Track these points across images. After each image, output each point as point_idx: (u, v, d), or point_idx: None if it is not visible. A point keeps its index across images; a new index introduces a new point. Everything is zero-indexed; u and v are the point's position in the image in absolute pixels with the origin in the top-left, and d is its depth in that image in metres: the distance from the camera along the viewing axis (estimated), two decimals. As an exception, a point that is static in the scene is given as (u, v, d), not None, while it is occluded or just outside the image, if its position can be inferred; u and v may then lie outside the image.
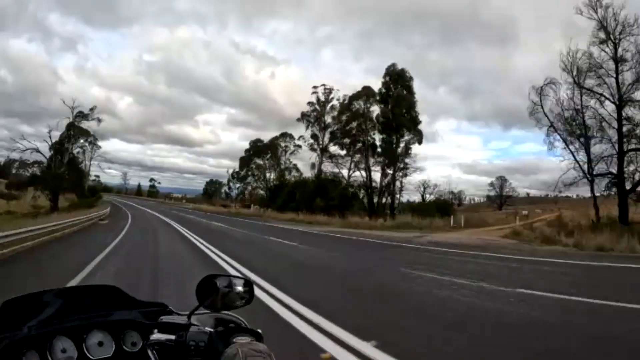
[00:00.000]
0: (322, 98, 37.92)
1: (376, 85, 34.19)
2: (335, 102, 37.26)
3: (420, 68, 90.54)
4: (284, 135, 44.32)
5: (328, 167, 36.88)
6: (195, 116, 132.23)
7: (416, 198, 38.93)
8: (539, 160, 76.62)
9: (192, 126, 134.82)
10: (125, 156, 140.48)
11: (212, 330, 1.02)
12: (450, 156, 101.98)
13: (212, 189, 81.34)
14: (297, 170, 43.26)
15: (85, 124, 37.66)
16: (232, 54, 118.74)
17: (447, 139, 78.90)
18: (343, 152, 35.92)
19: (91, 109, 37.51)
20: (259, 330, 1.05)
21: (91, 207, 29.37)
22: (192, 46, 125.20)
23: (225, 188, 51.63)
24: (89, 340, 1.02)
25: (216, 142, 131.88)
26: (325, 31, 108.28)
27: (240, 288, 1.11)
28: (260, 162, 46.22)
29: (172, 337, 1.02)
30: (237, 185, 49.95)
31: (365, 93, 34.12)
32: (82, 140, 38.12)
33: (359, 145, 34.48)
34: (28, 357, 0.94)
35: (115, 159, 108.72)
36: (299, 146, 42.00)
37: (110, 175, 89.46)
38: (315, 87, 38.49)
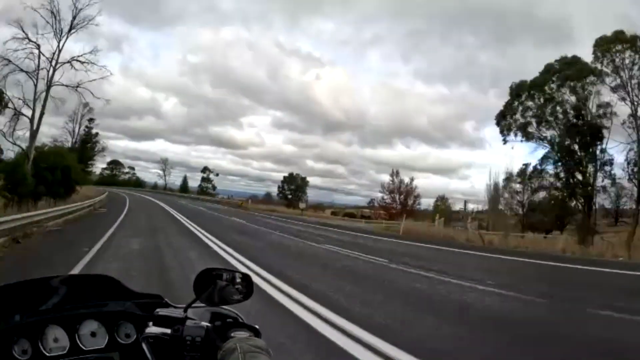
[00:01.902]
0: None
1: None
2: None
3: (470, 69, 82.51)
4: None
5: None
6: (240, 118, 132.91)
7: None
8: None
9: (237, 128, 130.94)
10: (171, 157, 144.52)
11: (209, 324, 0.98)
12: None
13: (290, 188, 54.33)
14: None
15: None
16: (277, 54, 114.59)
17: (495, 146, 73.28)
18: None
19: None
20: (257, 326, 1.00)
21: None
22: (237, 47, 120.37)
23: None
24: (82, 330, 1.00)
25: (260, 145, 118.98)
26: (372, 31, 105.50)
27: (239, 282, 1.08)
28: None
29: (168, 330, 0.98)
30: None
31: None
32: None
33: None
34: (20, 344, 0.93)
35: (159, 160, 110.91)
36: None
37: (155, 174, 79.96)
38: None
